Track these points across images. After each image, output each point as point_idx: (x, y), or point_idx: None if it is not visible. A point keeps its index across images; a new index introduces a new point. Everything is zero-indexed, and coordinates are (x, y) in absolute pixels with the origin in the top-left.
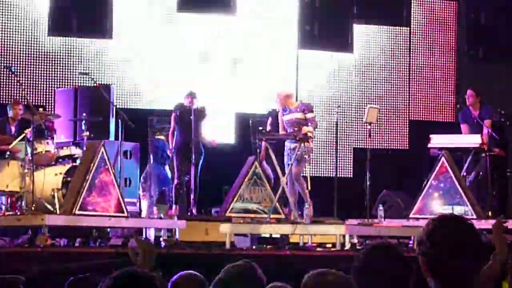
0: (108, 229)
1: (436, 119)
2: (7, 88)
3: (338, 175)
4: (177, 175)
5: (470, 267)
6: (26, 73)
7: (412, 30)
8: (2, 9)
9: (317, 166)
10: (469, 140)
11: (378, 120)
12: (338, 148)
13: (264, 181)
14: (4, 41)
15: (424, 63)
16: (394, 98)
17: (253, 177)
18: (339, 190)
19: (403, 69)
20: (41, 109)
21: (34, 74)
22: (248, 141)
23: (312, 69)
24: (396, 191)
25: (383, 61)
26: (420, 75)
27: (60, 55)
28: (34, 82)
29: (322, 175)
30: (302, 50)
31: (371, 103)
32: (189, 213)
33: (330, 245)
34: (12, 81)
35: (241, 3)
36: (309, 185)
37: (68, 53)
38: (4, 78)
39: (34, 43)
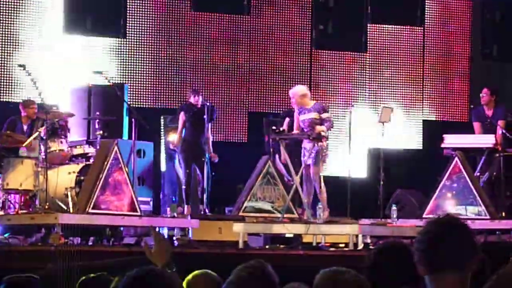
0: (121, 228)
1: (450, 119)
2: (21, 87)
3: (351, 175)
4: (185, 174)
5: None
6: (40, 72)
7: (426, 30)
8: (17, 7)
9: (330, 166)
10: (483, 140)
11: (392, 120)
12: (352, 147)
13: (277, 180)
14: (19, 39)
15: (438, 62)
16: (408, 98)
17: (266, 176)
18: (353, 190)
19: (417, 69)
20: (55, 108)
21: (49, 72)
22: (261, 140)
23: (326, 68)
24: (409, 191)
25: (397, 61)
26: (434, 74)
27: (74, 54)
28: (48, 80)
29: (336, 174)
30: (316, 50)
31: (385, 103)
32: (202, 212)
33: (343, 245)
34: (27, 79)
35: (255, 3)
36: (322, 184)
37: (82, 52)
38: (19, 76)
39: (48, 42)
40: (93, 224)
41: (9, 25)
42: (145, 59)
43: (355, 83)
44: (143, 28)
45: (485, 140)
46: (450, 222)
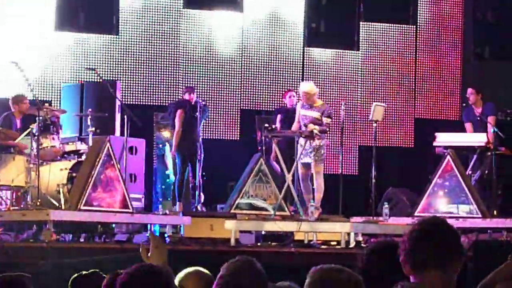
0: (113, 225)
1: (442, 118)
2: (13, 83)
3: (343, 173)
4: (180, 171)
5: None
6: (33, 68)
7: (418, 28)
8: (10, 4)
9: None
10: (474, 138)
11: (384, 118)
12: (344, 145)
13: (269, 178)
14: (11, 36)
15: (430, 61)
16: (400, 96)
17: (258, 174)
18: (344, 187)
19: (409, 67)
20: (47, 104)
21: (41, 69)
22: (253, 137)
23: (318, 66)
24: (401, 189)
25: (389, 59)
26: (426, 73)
27: (66, 51)
28: (40, 77)
29: (327, 172)
30: (308, 47)
31: (377, 101)
32: (194, 210)
33: (335, 243)
34: (19, 76)
35: (248, 1)
36: (316, 182)
37: (74, 49)
38: (11, 73)
39: (40, 38)
40: (85, 221)
41: (1, 21)
42: (137, 56)
43: (347, 81)
44: (135, 25)
45: (477, 139)
46: (434, 222)
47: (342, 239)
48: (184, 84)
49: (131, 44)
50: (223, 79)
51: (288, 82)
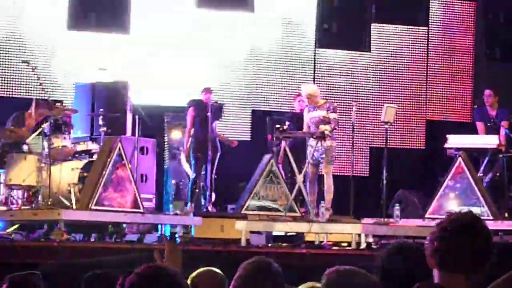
0: (124, 225)
1: (453, 119)
2: (25, 83)
3: (354, 174)
4: (194, 173)
5: (476, 270)
6: (44, 68)
7: (430, 30)
8: (21, 3)
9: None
10: (486, 141)
11: (395, 119)
12: (355, 147)
13: (280, 179)
14: (23, 36)
15: (442, 63)
16: (411, 98)
17: (269, 175)
18: (356, 189)
19: (421, 69)
20: (58, 104)
21: (52, 68)
22: (264, 138)
23: (329, 67)
24: (412, 191)
25: (400, 61)
26: (437, 75)
27: (78, 50)
28: (52, 76)
29: (338, 173)
30: (319, 48)
31: (388, 103)
32: (205, 210)
33: (345, 244)
34: (30, 75)
35: (260, 1)
36: (326, 183)
37: (86, 48)
38: (23, 72)
39: (52, 38)
40: (96, 220)
41: (14, 21)
42: (148, 56)
43: (358, 82)
44: (147, 24)
45: (489, 141)
46: (470, 223)
47: (353, 240)
48: (195, 85)
49: (143, 43)
50: (234, 79)
51: (300, 83)
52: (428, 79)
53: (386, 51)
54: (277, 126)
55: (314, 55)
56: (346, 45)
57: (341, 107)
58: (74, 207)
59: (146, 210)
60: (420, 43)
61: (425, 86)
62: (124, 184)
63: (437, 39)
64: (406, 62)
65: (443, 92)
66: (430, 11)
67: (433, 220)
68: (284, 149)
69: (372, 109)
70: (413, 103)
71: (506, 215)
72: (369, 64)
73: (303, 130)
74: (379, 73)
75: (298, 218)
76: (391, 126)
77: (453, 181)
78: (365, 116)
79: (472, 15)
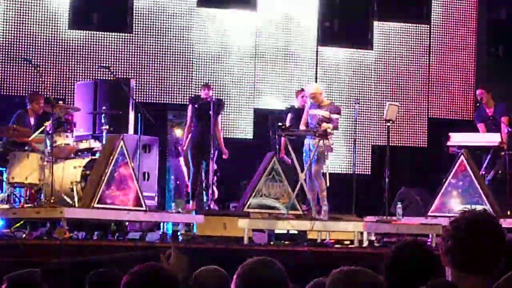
0: (126, 223)
1: (456, 117)
2: (27, 81)
3: (356, 172)
4: (193, 170)
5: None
6: (47, 66)
7: (432, 28)
8: (23, 2)
9: (335, 163)
10: (488, 138)
11: (398, 117)
12: (357, 145)
13: (282, 177)
14: (25, 34)
15: (444, 60)
16: (414, 96)
17: (271, 173)
18: (358, 187)
19: (423, 67)
20: (61, 102)
21: (55, 67)
22: (267, 136)
23: (331, 65)
24: (414, 189)
25: (402, 58)
26: (439, 72)
27: (80, 49)
28: (54, 75)
29: (341, 172)
30: (321, 46)
31: (390, 101)
32: (207, 208)
33: (348, 242)
34: (33, 74)
35: None
36: (327, 181)
37: (88, 47)
38: (25, 71)
39: (54, 36)
40: (98, 218)
41: (16, 19)
42: (151, 54)
43: (360, 80)
44: (149, 23)
45: (491, 139)
46: (483, 222)
47: (355, 238)
48: (197, 83)
49: (145, 42)
50: (236, 78)
51: (302, 81)
52: (430, 76)
53: (388, 49)
54: (279, 124)
55: (316, 53)
56: (348, 42)
57: (343, 105)
58: (76, 205)
59: (148, 208)
60: (422, 41)
61: (427, 84)
62: (127, 182)
63: (439, 37)
64: (408, 60)
65: (446, 90)
66: (432, 8)
67: (435, 218)
68: (286, 145)
69: (374, 107)
70: (415, 101)
71: (509, 212)
72: (371, 62)
73: (301, 124)
74: (381, 71)
75: (300, 216)
76: (393, 124)
77: (456, 179)
78: (367, 114)
79: (474, 12)
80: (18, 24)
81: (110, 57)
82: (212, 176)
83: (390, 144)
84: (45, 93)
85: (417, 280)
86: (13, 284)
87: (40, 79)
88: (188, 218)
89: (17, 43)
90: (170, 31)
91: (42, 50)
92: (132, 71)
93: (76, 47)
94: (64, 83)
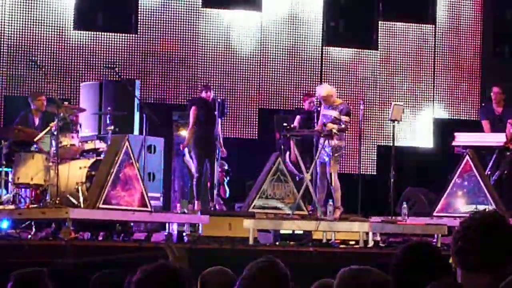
0: (132, 223)
1: (461, 117)
2: (33, 82)
3: (362, 173)
4: (197, 170)
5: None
6: (52, 67)
7: (437, 28)
8: (29, 3)
9: (340, 163)
10: (493, 138)
11: (403, 117)
12: (362, 145)
13: (287, 177)
14: (30, 35)
15: (449, 60)
16: (419, 96)
17: (276, 173)
18: (363, 187)
19: (428, 67)
20: (66, 103)
21: (60, 67)
22: (272, 137)
23: (336, 65)
24: (420, 189)
25: (408, 59)
26: (445, 72)
27: (85, 49)
28: (59, 75)
29: (346, 172)
30: (326, 46)
31: (395, 101)
32: (212, 208)
33: (353, 242)
34: (38, 74)
35: (267, 0)
36: (333, 181)
37: (93, 47)
38: (30, 71)
39: (60, 37)
40: (104, 219)
41: (21, 20)
42: (156, 54)
43: (365, 80)
44: (154, 24)
45: (496, 139)
46: (493, 222)
47: (361, 238)
48: (202, 83)
49: (150, 42)
50: (241, 78)
51: (307, 81)
52: (435, 76)
53: (393, 49)
54: (285, 124)
55: (321, 53)
56: (353, 43)
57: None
58: (82, 205)
59: (153, 209)
60: (428, 41)
61: (432, 84)
62: (132, 182)
63: (445, 37)
64: (413, 60)
65: (451, 90)
66: (437, 8)
67: (441, 218)
68: (294, 147)
69: (379, 107)
70: (421, 101)
71: None
72: (376, 62)
73: (316, 127)
74: (386, 71)
75: (305, 216)
76: (398, 124)
77: (461, 179)
78: (373, 115)
79: (480, 12)
80: (24, 26)
81: (115, 58)
82: (219, 175)
83: (396, 144)
84: (51, 94)
85: (425, 281)
86: (19, 282)
87: (46, 80)
88: (194, 219)
89: (23, 44)
90: (175, 31)
91: (47, 51)
92: (137, 72)
93: (81, 48)
94: (70, 84)
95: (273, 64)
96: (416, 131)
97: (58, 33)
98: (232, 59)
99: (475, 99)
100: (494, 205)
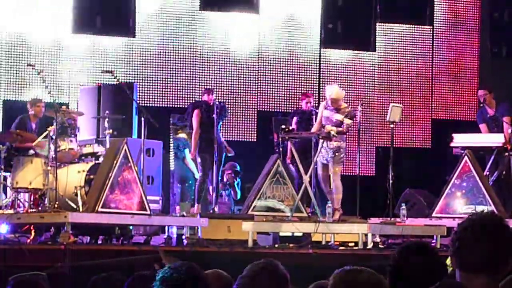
0: (131, 227)
1: (459, 118)
2: (31, 86)
3: (360, 174)
4: (201, 174)
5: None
6: (50, 71)
7: (435, 29)
8: (27, 7)
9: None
10: (492, 139)
11: (401, 119)
12: (361, 146)
13: (286, 180)
14: (28, 39)
15: (447, 61)
16: (417, 97)
17: (275, 175)
18: (362, 188)
19: (426, 68)
20: (64, 107)
21: (58, 72)
22: (270, 139)
23: (334, 67)
24: (418, 190)
25: (405, 60)
26: (443, 73)
27: (83, 53)
28: (57, 80)
29: (345, 173)
30: (324, 48)
31: (393, 102)
32: (211, 211)
33: (352, 244)
34: (36, 78)
35: (264, 2)
36: (334, 183)
37: (91, 51)
38: (28, 76)
39: (58, 41)
40: (103, 223)
41: (19, 24)
42: (154, 58)
43: (364, 81)
44: (152, 27)
45: (494, 139)
46: (490, 223)
47: (360, 240)
48: (200, 86)
49: (148, 46)
50: (239, 80)
51: (305, 83)
52: (433, 78)
53: (391, 51)
54: (283, 126)
55: (319, 55)
56: (351, 44)
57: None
58: (80, 209)
59: (152, 212)
60: (425, 42)
61: (430, 85)
62: (131, 186)
63: (442, 38)
64: (411, 61)
65: (449, 91)
66: (434, 9)
67: (439, 219)
68: (291, 149)
69: (377, 109)
70: (419, 102)
71: None
72: (374, 64)
73: (314, 127)
74: (384, 72)
75: (304, 218)
76: (396, 126)
77: (460, 180)
78: (371, 116)
79: (477, 13)
80: (21, 29)
81: (113, 61)
82: (228, 177)
83: (394, 145)
84: (49, 98)
85: (422, 281)
86: (18, 286)
87: (44, 84)
88: (193, 222)
89: (21, 48)
90: (173, 34)
91: (45, 54)
92: (136, 75)
93: (80, 52)
94: (68, 88)
95: (272, 67)
96: (414, 132)
97: (56, 37)
98: (230, 62)
99: (473, 100)
100: (492, 205)
